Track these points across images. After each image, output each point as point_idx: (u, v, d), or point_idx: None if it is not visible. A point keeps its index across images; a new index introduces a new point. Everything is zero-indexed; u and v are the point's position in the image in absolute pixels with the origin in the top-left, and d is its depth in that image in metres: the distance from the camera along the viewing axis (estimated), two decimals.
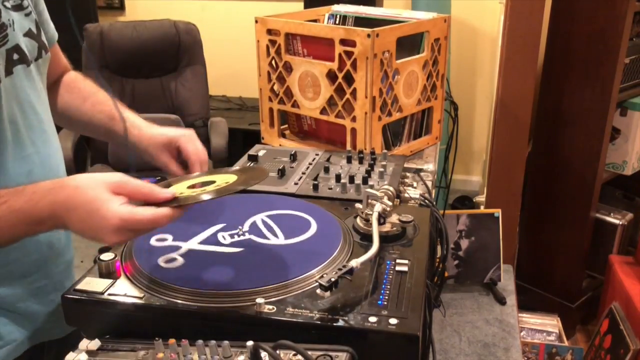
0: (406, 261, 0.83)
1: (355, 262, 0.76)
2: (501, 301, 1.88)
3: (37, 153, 0.89)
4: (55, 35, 1.03)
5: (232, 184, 0.80)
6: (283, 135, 1.61)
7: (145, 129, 1.05)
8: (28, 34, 0.87)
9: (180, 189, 0.82)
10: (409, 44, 1.45)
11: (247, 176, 0.85)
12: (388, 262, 0.84)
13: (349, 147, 1.42)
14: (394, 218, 0.94)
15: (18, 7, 0.84)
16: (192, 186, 0.84)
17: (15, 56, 0.84)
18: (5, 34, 0.82)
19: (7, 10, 0.83)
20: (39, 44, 0.89)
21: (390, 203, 0.93)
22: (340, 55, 1.35)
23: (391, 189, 0.98)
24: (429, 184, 1.29)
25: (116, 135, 1.07)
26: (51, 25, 1.01)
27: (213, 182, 0.84)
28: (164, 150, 1.04)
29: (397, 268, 0.82)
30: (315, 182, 1.14)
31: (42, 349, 0.96)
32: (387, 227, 0.92)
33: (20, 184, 0.84)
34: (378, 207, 0.91)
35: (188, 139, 1.03)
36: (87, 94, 1.09)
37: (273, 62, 1.51)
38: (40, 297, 0.93)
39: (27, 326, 0.91)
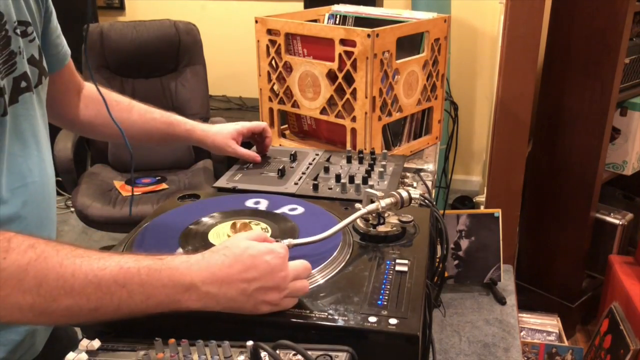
0: (406, 261, 0.83)
1: (287, 241, 0.78)
2: (501, 301, 1.88)
3: (33, 183, 0.87)
4: (69, 51, 1.04)
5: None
6: (283, 135, 1.61)
7: (207, 128, 1.23)
8: (30, 60, 0.85)
9: (221, 235, 0.90)
10: (409, 44, 1.45)
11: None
12: (388, 262, 0.84)
13: (349, 147, 1.41)
14: (394, 218, 0.94)
15: (24, 34, 0.83)
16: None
17: (23, 84, 0.83)
18: (14, 61, 0.80)
19: (17, 37, 0.81)
20: (40, 70, 0.88)
21: (389, 201, 0.93)
22: (340, 55, 1.35)
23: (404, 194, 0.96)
24: (429, 184, 1.29)
25: (175, 139, 1.21)
26: (64, 41, 1.01)
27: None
28: (230, 140, 1.22)
29: (397, 268, 0.82)
30: (315, 182, 1.15)
31: None
32: (387, 227, 0.92)
33: (15, 214, 0.83)
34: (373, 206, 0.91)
35: (251, 125, 1.27)
36: (127, 104, 1.17)
37: (273, 62, 1.51)
38: (16, 326, 0.90)
39: (7, 353, 0.89)
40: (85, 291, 0.65)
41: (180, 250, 0.85)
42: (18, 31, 0.81)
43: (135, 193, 2.65)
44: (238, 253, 0.71)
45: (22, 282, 0.63)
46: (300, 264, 0.74)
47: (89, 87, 1.14)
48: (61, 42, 1.00)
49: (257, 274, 0.70)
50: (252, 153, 1.28)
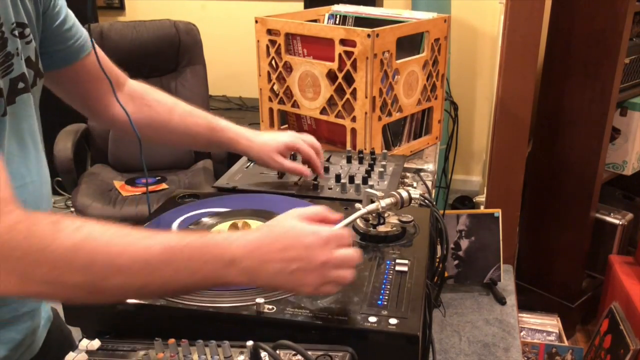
0: (406, 261, 0.83)
1: None
2: (501, 301, 1.88)
3: (32, 182, 0.87)
4: (87, 43, 1.00)
5: None
6: None
7: (253, 137, 1.13)
8: (27, 61, 0.85)
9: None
10: (409, 44, 1.45)
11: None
12: (388, 262, 0.84)
13: (349, 147, 1.41)
14: (394, 218, 0.94)
15: (21, 35, 0.83)
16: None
17: (21, 85, 0.83)
18: (11, 62, 0.80)
19: (15, 39, 0.81)
20: (35, 72, 0.87)
21: (389, 201, 0.93)
22: (340, 55, 1.35)
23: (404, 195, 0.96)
24: (429, 184, 1.29)
25: (219, 145, 1.13)
26: (79, 33, 0.98)
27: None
28: (277, 153, 1.12)
29: (397, 268, 0.82)
30: (315, 182, 1.15)
31: None
32: (387, 227, 0.92)
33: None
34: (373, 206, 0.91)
35: (301, 140, 1.14)
36: (171, 105, 1.11)
37: (273, 62, 1.51)
38: (17, 324, 0.91)
39: (6, 351, 0.90)
40: (133, 270, 0.67)
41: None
42: (16, 32, 0.81)
43: (135, 193, 2.65)
44: (279, 232, 0.71)
45: (72, 262, 0.65)
46: (352, 251, 0.72)
47: (134, 85, 1.11)
48: (74, 35, 0.97)
49: (295, 254, 0.69)
50: (299, 167, 1.15)
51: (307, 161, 1.17)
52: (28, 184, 0.86)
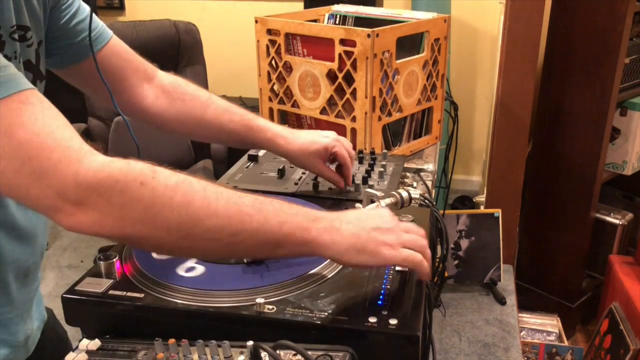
0: None
1: None
2: (501, 301, 1.88)
3: None
4: (106, 36, 0.98)
5: None
6: None
7: (291, 139, 1.07)
8: (26, 64, 0.85)
9: None
10: (409, 44, 1.45)
11: None
12: None
13: None
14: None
15: (22, 38, 0.83)
16: None
17: None
18: None
19: (14, 42, 0.81)
20: (34, 74, 0.87)
21: (389, 201, 0.93)
22: (340, 55, 1.35)
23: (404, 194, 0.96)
24: (429, 184, 1.29)
25: (256, 144, 1.10)
26: (96, 24, 0.96)
27: None
28: (316, 157, 1.08)
29: (397, 268, 0.82)
30: (315, 182, 1.14)
31: None
32: None
33: (18, 216, 0.83)
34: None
35: (340, 144, 1.08)
36: (205, 100, 1.08)
37: (273, 62, 1.51)
38: (8, 327, 0.90)
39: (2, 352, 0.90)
40: (228, 213, 0.68)
41: None
42: (15, 36, 0.81)
43: None
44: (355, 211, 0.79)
45: (172, 199, 0.66)
46: (411, 224, 0.80)
47: (165, 78, 1.08)
48: (84, 29, 0.94)
49: (373, 222, 0.75)
50: (336, 176, 1.11)
51: (341, 166, 1.12)
52: None
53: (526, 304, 2.29)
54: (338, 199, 1.10)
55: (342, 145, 1.09)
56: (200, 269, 0.82)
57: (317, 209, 0.89)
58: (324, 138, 1.09)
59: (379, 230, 0.74)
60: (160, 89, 1.06)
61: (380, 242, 0.73)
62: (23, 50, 0.83)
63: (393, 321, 0.71)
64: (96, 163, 0.65)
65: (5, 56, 0.78)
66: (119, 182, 0.64)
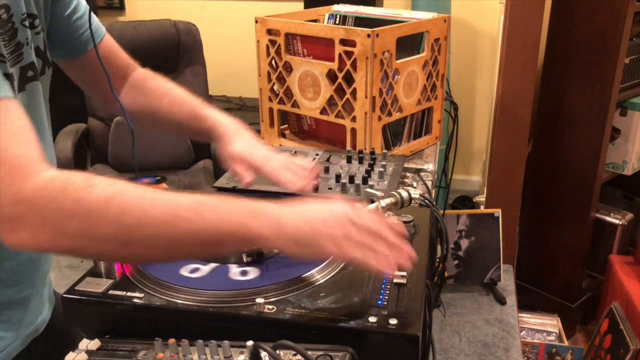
0: (404, 273, 0.81)
1: None
2: (501, 301, 1.88)
3: None
4: (100, 34, 1.02)
5: None
6: (283, 135, 1.61)
7: (227, 143, 1.03)
8: (37, 51, 0.88)
9: None
10: (409, 44, 1.45)
11: None
12: None
13: (349, 147, 1.41)
14: (394, 218, 0.94)
15: (32, 26, 0.86)
16: None
17: (30, 73, 0.86)
18: (21, 52, 0.83)
19: (25, 29, 0.84)
20: (44, 61, 0.91)
21: (389, 201, 0.93)
22: (340, 55, 1.35)
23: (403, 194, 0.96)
24: (429, 184, 1.29)
25: (200, 134, 1.07)
26: (94, 21, 1.00)
27: None
28: (240, 164, 1.02)
29: (395, 281, 0.80)
30: (315, 182, 1.14)
31: (29, 350, 0.97)
32: None
33: None
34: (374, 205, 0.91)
35: (271, 169, 1.01)
36: (163, 92, 1.09)
37: (273, 62, 1.51)
38: (25, 306, 0.93)
39: (15, 331, 0.92)
40: (165, 219, 0.68)
41: None
42: (26, 23, 0.84)
43: None
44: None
45: (105, 213, 0.67)
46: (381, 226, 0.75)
47: (139, 74, 1.11)
48: (84, 24, 0.98)
49: (320, 215, 0.73)
50: (244, 174, 1.02)
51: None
52: None
53: (526, 304, 2.29)
54: None
55: (273, 170, 1.01)
56: (200, 269, 0.82)
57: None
58: (252, 149, 1.02)
59: (325, 224, 0.72)
60: (130, 84, 1.10)
61: (325, 236, 0.71)
62: (33, 37, 0.86)
63: (393, 321, 0.71)
64: (38, 181, 0.66)
65: (19, 42, 0.82)
66: (55, 200, 0.66)
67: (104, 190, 0.68)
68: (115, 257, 0.73)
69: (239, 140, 1.04)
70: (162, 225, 0.68)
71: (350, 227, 0.73)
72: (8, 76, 0.77)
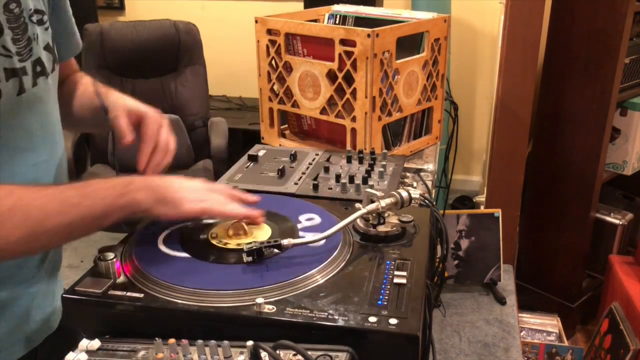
0: (404, 273, 0.81)
1: (287, 241, 0.83)
2: (501, 301, 1.88)
3: (47, 162, 0.93)
4: (80, 44, 1.07)
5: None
6: (283, 135, 1.61)
7: (119, 99, 1.02)
8: (47, 47, 0.90)
9: (220, 234, 0.90)
10: (409, 44, 1.45)
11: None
12: (388, 262, 0.84)
13: (349, 147, 1.41)
14: (394, 218, 0.94)
15: (40, 22, 0.88)
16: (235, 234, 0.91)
17: (38, 68, 0.88)
18: (31, 47, 0.86)
19: (33, 25, 0.86)
20: (53, 57, 0.93)
21: (389, 201, 0.93)
22: (340, 55, 1.35)
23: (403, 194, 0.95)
24: (429, 184, 1.29)
25: (95, 109, 1.02)
26: (77, 35, 1.05)
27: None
28: (125, 115, 0.98)
29: (396, 281, 0.80)
30: (315, 182, 1.14)
31: (35, 351, 0.97)
32: (387, 227, 0.92)
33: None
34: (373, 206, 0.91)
35: (154, 119, 1.00)
36: (74, 87, 1.10)
37: (273, 62, 1.51)
38: (36, 301, 0.94)
39: (22, 330, 0.93)
40: (61, 210, 0.78)
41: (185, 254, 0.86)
42: (34, 19, 0.86)
43: None
44: None
45: (11, 221, 0.75)
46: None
47: (72, 77, 1.11)
48: (74, 33, 1.03)
49: (181, 183, 0.86)
50: (126, 130, 0.98)
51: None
52: (42, 162, 0.92)
53: (526, 304, 2.29)
54: (338, 199, 1.10)
55: (155, 121, 1.01)
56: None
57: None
58: (140, 106, 1.01)
59: (185, 189, 0.84)
60: (65, 86, 1.10)
61: (183, 197, 0.83)
62: (42, 33, 0.89)
63: (393, 321, 0.71)
64: None
65: (29, 38, 0.85)
66: None
67: (4, 201, 0.75)
68: (28, 253, 0.86)
69: (128, 100, 1.02)
70: (58, 216, 0.78)
71: (207, 192, 0.87)
72: (17, 71, 0.80)
